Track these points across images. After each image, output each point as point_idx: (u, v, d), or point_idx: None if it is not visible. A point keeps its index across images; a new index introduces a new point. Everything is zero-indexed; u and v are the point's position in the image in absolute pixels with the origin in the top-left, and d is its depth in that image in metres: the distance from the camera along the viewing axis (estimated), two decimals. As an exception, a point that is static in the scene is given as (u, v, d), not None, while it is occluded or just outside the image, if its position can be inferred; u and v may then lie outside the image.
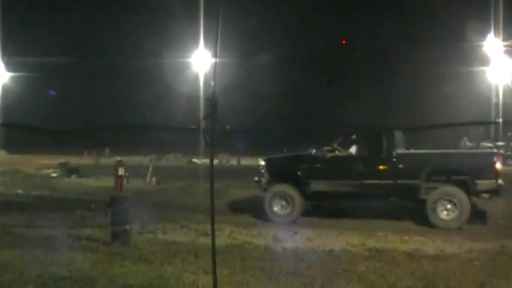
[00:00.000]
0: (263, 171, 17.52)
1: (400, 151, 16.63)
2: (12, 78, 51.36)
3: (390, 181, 15.95)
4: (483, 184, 15.44)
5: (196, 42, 42.91)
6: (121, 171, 15.62)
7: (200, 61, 42.97)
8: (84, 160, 33.35)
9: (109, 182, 16.08)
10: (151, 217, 16.47)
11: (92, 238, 13.19)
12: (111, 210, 13.60)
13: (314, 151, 17.12)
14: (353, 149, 17.24)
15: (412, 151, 17.34)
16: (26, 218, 16.46)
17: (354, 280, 9.77)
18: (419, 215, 15.97)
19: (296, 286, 9.45)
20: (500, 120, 35.30)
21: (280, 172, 17.43)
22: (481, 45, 31.09)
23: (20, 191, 23.91)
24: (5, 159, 32.31)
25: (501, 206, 17.18)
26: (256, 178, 17.85)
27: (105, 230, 13.43)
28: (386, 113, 48.42)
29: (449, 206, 15.35)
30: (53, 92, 44.67)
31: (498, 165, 15.69)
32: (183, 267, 10.88)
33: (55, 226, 14.84)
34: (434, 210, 15.39)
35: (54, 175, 29.59)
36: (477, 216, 16.34)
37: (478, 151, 15.84)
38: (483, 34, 33.32)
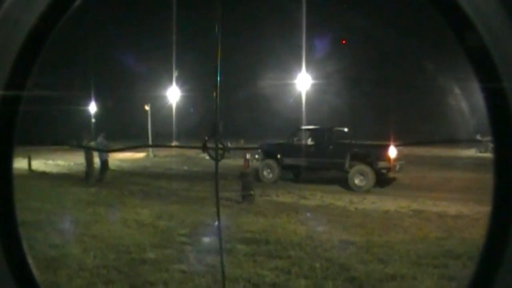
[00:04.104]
0: (259, 151, 19.90)
1: (335, 141, 18.67)
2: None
3: (329, 160, 17.96)
4: (381, 164, 16.96)
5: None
6: (247, 155, 16.12)
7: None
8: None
9: (241, 162, 16.43)
10: (268, 186, 16.69)
11: (229, 199, 13.35)
12: (241, 180, 13.94)
13: (287, 140, 19.65)
14: (309, 140, 19.29)
15: (342, 141, 18.98)
16: (187, 185, 16.97)
17: (401, 232, 9.67)
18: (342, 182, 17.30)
19: (362, 234, 9.38)
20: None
21: (268, 152, 19.32)
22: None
23: (185, 167, 24.61)
24: (176, 149, 33.33)
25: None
26: (256, 156, 20.45)
27: (237, 194, 13.63)
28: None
29: (361, 177, 16.83)
30: (191, 109, 43.60)
31: (391, 153, 17.07)
32: (287, 219, 10.97)
33: (205, 190, 15.24)
34: (352, 179, 16.90)
35: (207, 157, 30.10)
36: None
37: (379, 144, 17.32)
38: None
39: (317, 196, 14.78)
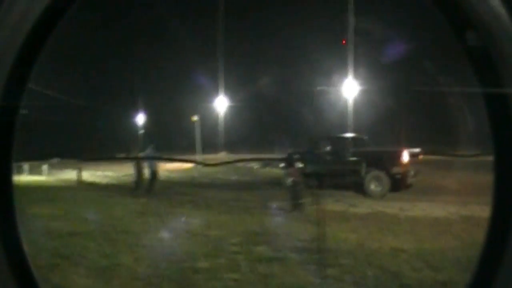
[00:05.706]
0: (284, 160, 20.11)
1: (351, 149, 18.98)
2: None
3: (346, 167, 18.37)
4: (395, 169, 17.39)
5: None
6: (297, 163, 16.31)
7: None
8: (275, 156, 34.05)
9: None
10: (317, 195, 16.75)
11: (278, 208, 13.49)
12: (291, 189, 14.08)
13: (308, 149, 20.13)
14: (328, 148, 19.58)
15: (357, 149, 19.05)
16: (235, 194, 17.16)
17: (451, 238, 9.64)
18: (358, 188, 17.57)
19: (412, 241, 9.38)
20: None
21: (290, 161, 19.01)
22: None
23: (234, 177, 24.82)
24: (225, 157, 33.67)
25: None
26: (281, 165, 20.96)
27: (287, 202, 13.74)
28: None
29: (377, 183, 17.35)
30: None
31: (404, 159, 17.56)
32: (337, 227, 10.99)
33: (253, 200, 15.40)
34: (368, 185, 17.43)
35: (256, 166, 30.37)
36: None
37: (393, 150, 17.39)
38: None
39: (366, 204, 14.77)
